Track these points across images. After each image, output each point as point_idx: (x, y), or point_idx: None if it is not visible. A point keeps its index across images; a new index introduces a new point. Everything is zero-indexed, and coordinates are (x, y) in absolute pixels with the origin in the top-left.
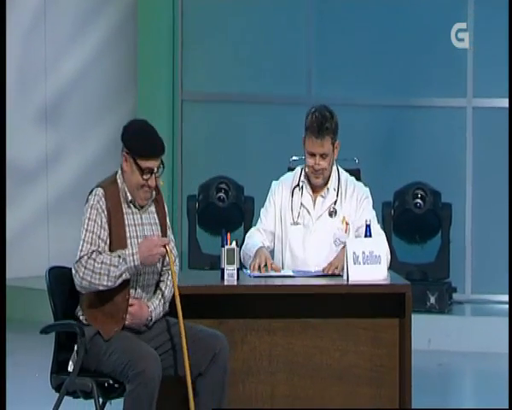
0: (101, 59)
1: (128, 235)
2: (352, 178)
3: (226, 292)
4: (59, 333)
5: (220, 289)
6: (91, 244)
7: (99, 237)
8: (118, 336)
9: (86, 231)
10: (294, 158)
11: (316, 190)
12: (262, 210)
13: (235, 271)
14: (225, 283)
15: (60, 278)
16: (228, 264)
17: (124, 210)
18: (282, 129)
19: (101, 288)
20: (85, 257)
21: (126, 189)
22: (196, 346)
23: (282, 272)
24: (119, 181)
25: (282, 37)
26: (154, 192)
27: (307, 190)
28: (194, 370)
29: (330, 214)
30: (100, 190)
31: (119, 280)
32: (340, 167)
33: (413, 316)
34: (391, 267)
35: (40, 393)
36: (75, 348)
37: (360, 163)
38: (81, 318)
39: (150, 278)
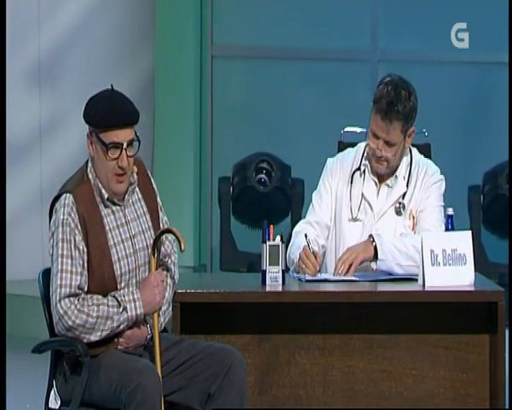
0: (109, 4)
1: (112, 242)
2: (427, 161)
3: (268, 300)
4: (56, 352)
5: (261, 297)
6: (72, 273)
7: (79, 263)
8: (104, 355)
9: (62, 257)
10: (348, 129)
11: (380, 175)
12: (314, 196)
13: (280, 273)
14: (267, 288)
15: None
16: (271, 264)
17: (102, 213)
18: (339, 92)
19: (87, 341)
20: (72, 307)
21: (100, 184)
22: (204, 362)
23: (343, 277)
24: (90, 176)
25: None
26: (132, 176)
27: (371, 177)
28: (202, 392)
29: (397, 212)
30: (69, 198)
31: (116, 331)
32: (413, 149)
33: (508, 332)
34: (479, 269)
35: None
36: (62, 372)
37: (430, 137)
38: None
39: (143, 271)
